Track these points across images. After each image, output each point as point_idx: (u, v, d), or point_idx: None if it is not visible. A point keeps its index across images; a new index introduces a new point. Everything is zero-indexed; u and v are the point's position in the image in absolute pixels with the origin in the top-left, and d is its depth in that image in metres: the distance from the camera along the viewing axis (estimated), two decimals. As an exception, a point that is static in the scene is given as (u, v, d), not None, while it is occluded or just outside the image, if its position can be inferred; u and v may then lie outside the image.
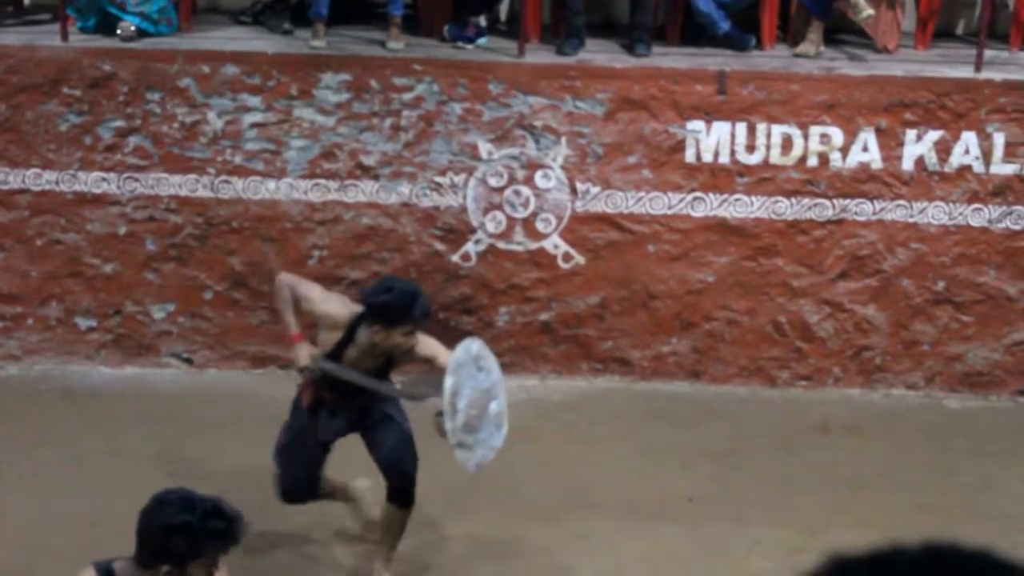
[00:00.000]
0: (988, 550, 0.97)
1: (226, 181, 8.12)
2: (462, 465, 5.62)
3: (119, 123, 8.06)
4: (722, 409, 8.11)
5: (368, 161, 8.10)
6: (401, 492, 6.01)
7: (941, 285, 8.26)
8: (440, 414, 5.46)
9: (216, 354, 8.39)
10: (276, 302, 6.26)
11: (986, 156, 8.10)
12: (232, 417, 7.78)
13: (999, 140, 8.08)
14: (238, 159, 8.10)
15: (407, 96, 8.04)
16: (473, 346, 5.67)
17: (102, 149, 8.09)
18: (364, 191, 8.13)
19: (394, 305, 5.65)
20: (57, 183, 8.13)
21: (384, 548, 6.15)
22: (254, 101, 8.05)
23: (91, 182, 8.13)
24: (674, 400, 8.20)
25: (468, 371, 5.55)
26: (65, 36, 8.17)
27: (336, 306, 5.99)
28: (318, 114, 8.06)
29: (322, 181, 8.12)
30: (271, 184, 8.13)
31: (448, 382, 5.43)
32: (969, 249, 8.20)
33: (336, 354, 5.87)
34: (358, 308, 5.85)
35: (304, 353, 5.94)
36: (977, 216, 8.18)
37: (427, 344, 5.84)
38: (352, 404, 6.02)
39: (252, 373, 8.36)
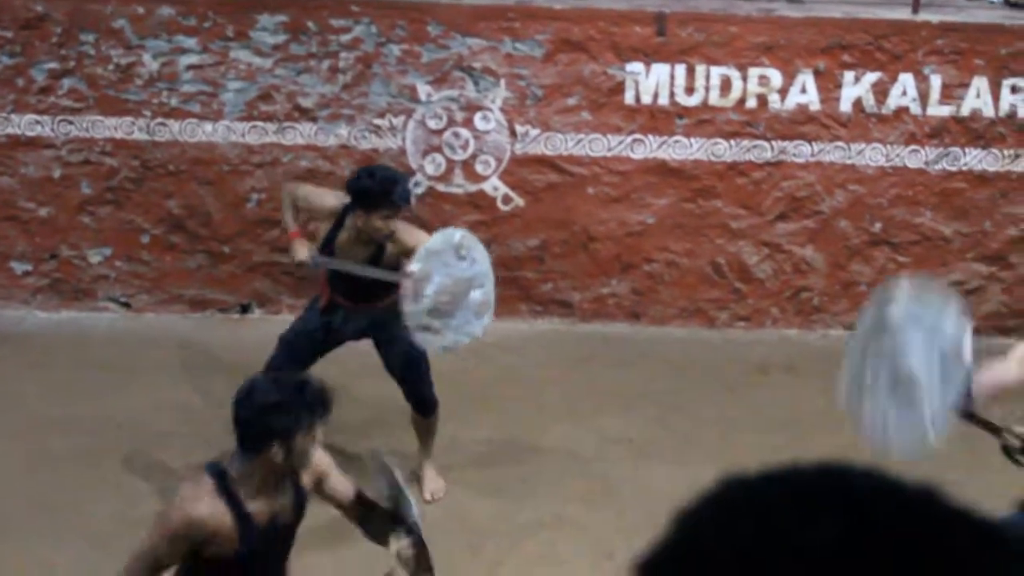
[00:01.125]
0: (878, 469, 0.98)
1: (162, 124, 8.04)
2: (424, 347, 5.93)
3: (53, 65, 7.95)
4: (662, 351, 8.14)
5: (306, 103, 8.04)
6: (419, 406, 6.37)
7: (878, 226, 8.31)
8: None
9: (154, 298, 8.33)
10: (281, 210, 6.55)
11: (923, 98, 8.14)
12: (170, 361, 7.74)
13: (936, 82, 8.12)
14: (174, 101, 8.02)
15: (345, 38, 7.98)
16: (456, 235, 5.88)
17: (35, 91, 7.98)
18: (302, 133, 8.08)
19: (373, 190, 5.88)
20: (-10, 126, 8.03)
21: (423, 448, 6.51)
22: (190, 43, 7.96)
23: (24, 125, 8.02)
24: (614, 342, 8.22)
25: (443, 258, 5.73)
26: (-4, -24, 8.05)
27: (329, 198, 6.28)
28: (255, 56, 7.99)
29: (259, 123, 8.06)
30: (208, 126, 8.06)
31: (414, 267, 5.66)
32: (906, 191, 8.25)
33: (329, 241, 6.14)
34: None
35: (301, 248, 6.18)
36: (914, 158, 8.23)
37: (410, 232, 6.06)
38: (366, 312, 6.23)
39: (190, 317, 8.32)
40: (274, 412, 3.97)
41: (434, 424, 6.46)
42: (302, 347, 6.24)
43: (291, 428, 3.99)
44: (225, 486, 4.05)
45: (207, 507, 4.00)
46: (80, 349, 7.88)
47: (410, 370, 6.27)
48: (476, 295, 5.87)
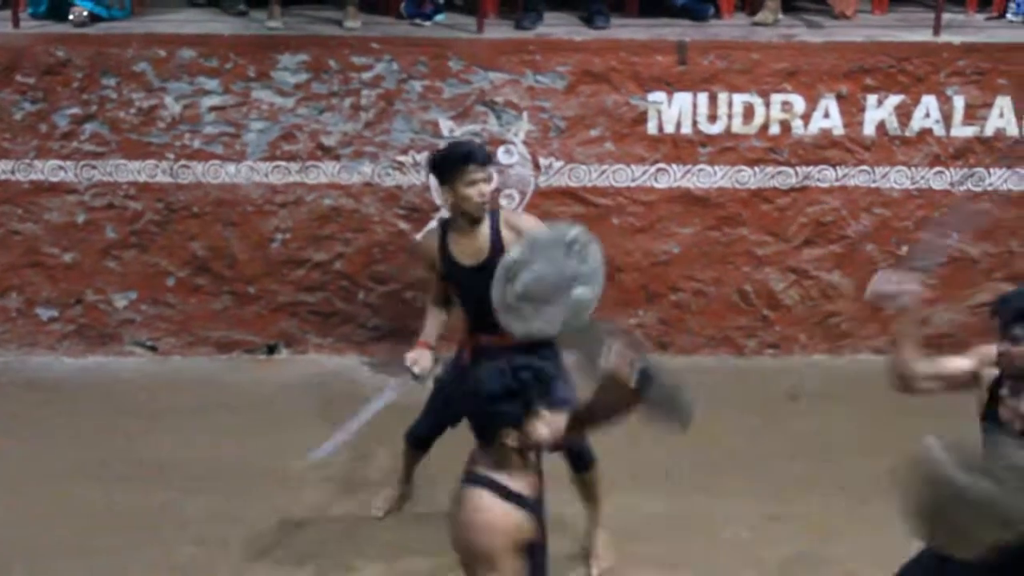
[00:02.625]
0: None
1: (185, 166, 8.03)
2: (506, 327, 5.36)
3: (75, 110, 7.95)
4: (691, 380, 8.03)
5: (328, 142, 8.03)
6: (575, 458, 6.03)
7: (904, 249, 8.27)
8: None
9: (180, 341, 8.31)
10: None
11: (946, 119, 8.12)
12: (198, 404, 7.72)
13: (959, 103, 8.10)
14: (197, 143, 8.01)
15: (366, 75, 7.97)
16: (571, 231, 5.47)
17: (58, 137, 7.98)
18: (325, 172, 8.07)
19: (452, 154, 5.82)
20: (13, 172, 8.02)
21: (590, 513, 6.27)
22: (212, 84, 7.96)
23: (48, 170, 8.02)
24: (643, 373, 8.16)
25: (550, 251, 5.42)
26: (17, 22, 8.05)
27: (424, 259, 6.21)
28: (277, 95, 7.98)
29: (282, 163, 8.05)
30: (231, 167, 8.05)
31: (515, 249, 5.36)
32: (932, 212, 8.22)
33: (452, 271, 5.95)
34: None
35: (423, 359, 5.92)
36: (939, 179, 8.20)
37: (523, 217, 6.15)
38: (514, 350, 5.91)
39: (217, 359, 8.29)
40: (501, 401, 3.97)
41: (594, 480, 6.14)
42: (454, 413, 5.84)
43: (519, 414, 3.99)
44: (497, 485, 4.01)
45: (501, 509, 3.96)
46: (108, 394, 7.85)
47: None
48: (580, 292, 5.60)
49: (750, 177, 8.15)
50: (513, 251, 5.36)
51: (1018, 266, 8.32)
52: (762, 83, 8.04)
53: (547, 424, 4.04)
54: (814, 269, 8.32)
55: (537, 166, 8.09)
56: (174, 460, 7.03)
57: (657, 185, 8.15)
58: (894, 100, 8.08)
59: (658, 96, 8.03)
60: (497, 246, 5.81)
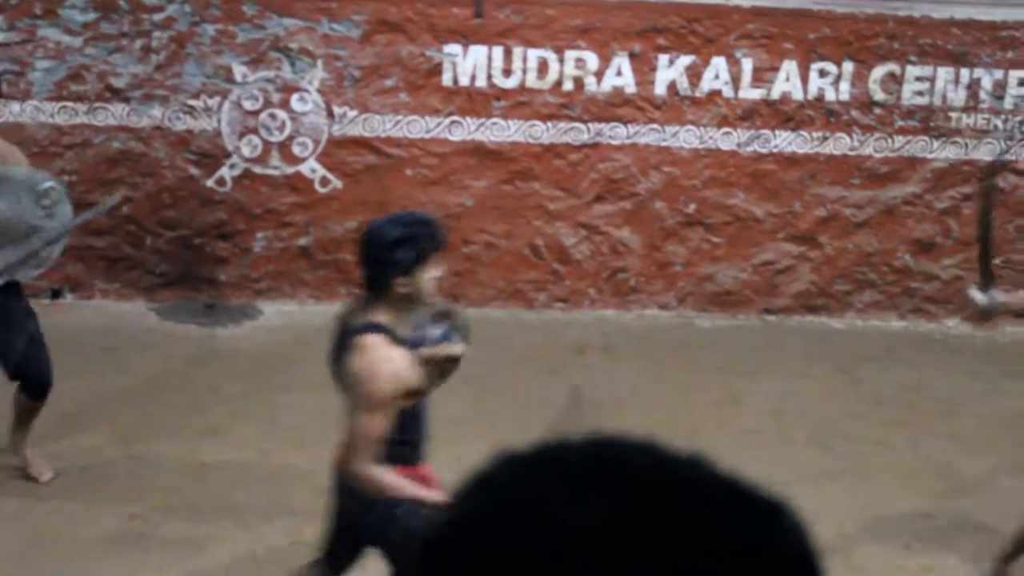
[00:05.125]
0: (650, 442, 1.00)
1: (-33, 103, 7.81)
2: None
3: None
4: (480, 332, 8.11)
5: (118, 83, 7.88)
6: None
7: (692, 207, 8.45)
8: None
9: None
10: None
11: (735, 81, 8.30)
12: None
13: (747, 65, 8.28)
14: (-21, 80, 7.79)
15: (158, 17, 7.84)
16: (47, 183, 5.54)
17: None
18: (114, 114, 7.92)
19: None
20: None
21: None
22: (-4, 20, 7.75)
23: None
24: (433, 323, 8.21)
25: (16, 192, 5.50)
26: None
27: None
28: (64, 34, 7.80)
29: (69, 104, 7.87)
30: (15, 106, 7.84)
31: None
32: (719, 172, 8.41)
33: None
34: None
35: None
36: (726, 140, 8.38)
37: (13, 149, 5.87)
38: None
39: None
40: (398, 247, 4.14)
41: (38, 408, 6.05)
42: None
43: (414, 261, 4.14)
44: (392, 334, 4.15)
45: (399, 355, 4.10)
46: None
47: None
48: (37, 246, 5.51)
49: (543, 132, 8.24)
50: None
51: (800, 226, 8.56)
52: (557, 39, 8.12)
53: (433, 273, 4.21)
54: (604, 225, 8.45)
55: (331, 115, 8.06)
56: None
57: (451, 137, 8.18)
58: (685, 60, 8.23)
59: (454, 48, 8.06)
60: None
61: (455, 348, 4.53)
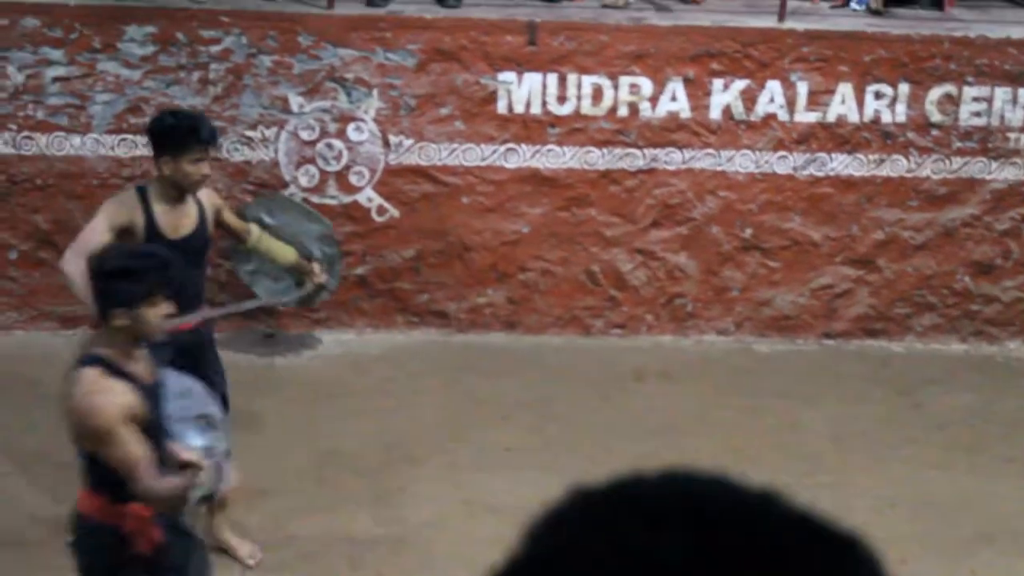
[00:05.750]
0: (722, 475, 1.00)
1: (28, 137, 7.90)
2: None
3: (-87, 78, 7.79)
4: (538, 360, 8.17)
5: (176, 115, 7.94)
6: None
7: (749, 232, 8.43)
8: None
9: (23, 315, 8.18)
10: (75, 291, 5.43)
11: (790, 104, 8.28)
12: (40, 378, 7.59)
13: (802, 89, 8.26)
14: (40, 114, 7.89)
15: (215, 49, 7.91)
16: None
17: None
18: (173, 146, 7.97)
19: (179, 128, 5.47)
20: None
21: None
22: (56, 55, 7.83)
23: None
24: (490, 352, 8.24)
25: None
26: None
27: (105, 221, 5.54)
28: (123, 67, 7.88)
29: (129, 136, 7.95)
30: (76, 140, 7.94)
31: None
32: (775, 196, 8.38)
33: (152, 234, 5.52)
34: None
35: None
36: (782, 164, 8.36)
37: (217, 197, 6.01)
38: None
39: (60, 334, 8.17)
40: (117, 279, 4.09)
41: None
42: None
43: (135, 297, 4.09)
44: (111, 366, 4.12)
45: (118, 387, 4.09)
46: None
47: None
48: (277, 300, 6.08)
49: (598, 158, 8.24)
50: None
51: (858, 250, 8.51)
52: (611, 65, 8.13)
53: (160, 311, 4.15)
54: (661, 250, 8.44)
55: (387, 144, 8.10)
56: (14, 435, 6.93)
57: (507, 165, 8.20)
58: (739, 85, 8.22)
59: (508, 76, 8.08)
60: (204, 221, 5.74)
61: None
